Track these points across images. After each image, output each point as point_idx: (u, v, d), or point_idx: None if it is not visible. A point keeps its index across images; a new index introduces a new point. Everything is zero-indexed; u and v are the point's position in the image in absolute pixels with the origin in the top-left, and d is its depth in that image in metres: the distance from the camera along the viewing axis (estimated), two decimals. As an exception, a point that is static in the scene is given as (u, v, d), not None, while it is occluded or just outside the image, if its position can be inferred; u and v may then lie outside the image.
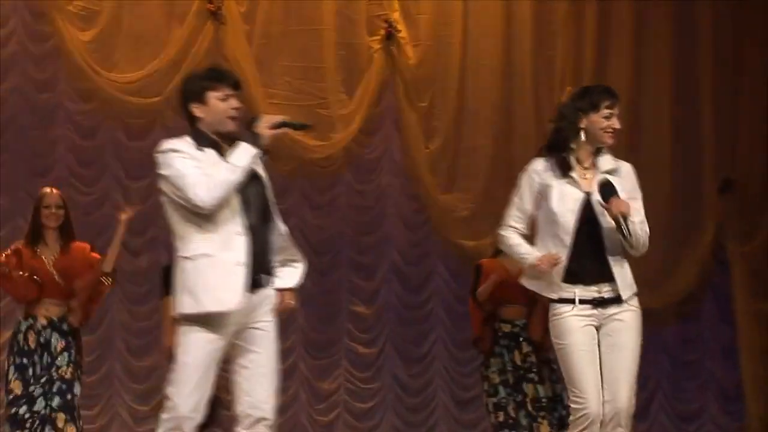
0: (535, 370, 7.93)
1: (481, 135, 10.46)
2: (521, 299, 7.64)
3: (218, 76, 4.92)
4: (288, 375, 9.12)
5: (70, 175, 9.75)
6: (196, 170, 4.74)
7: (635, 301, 5.57)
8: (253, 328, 4.86)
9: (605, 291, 5.48)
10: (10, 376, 7.12)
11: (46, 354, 7.16)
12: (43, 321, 7.22)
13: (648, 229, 5.55)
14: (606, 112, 5.51)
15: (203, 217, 4.73)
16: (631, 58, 10.53)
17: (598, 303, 5.48)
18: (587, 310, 5.45)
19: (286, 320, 5.10)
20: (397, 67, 10.31)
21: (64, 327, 7.26)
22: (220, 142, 4.84)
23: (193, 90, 4.90)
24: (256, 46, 9.97)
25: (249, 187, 4.84)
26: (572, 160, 5.50)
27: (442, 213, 10.38)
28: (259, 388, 4.84)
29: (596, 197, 5.44)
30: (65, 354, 7.21)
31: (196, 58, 9.74)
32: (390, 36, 10.28)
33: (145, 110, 9.78)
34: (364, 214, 10.39)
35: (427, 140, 10.35)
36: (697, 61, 10.61)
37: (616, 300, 5.48)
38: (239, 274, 4.72)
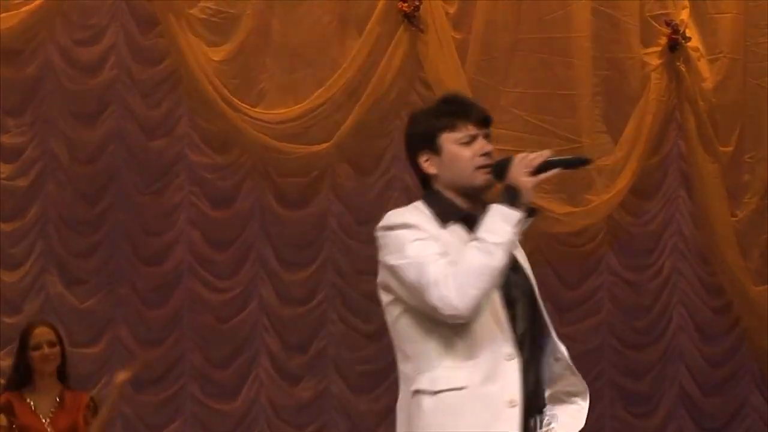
0: None
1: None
2: None
3: (455, 108, 4.19)
4: None
5: (195, 262, 8.61)
6: (441, 260, 4.07)
7: None
8: None
9: None
10: None
11: None
12: None
13: None
14: None
15: (453, 328, 4.06)
16: None
17: None
18: None
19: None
20: (686, 93, 9.55)
21: None
22: (472, 213, 4.15)
23: (419, 133, 4.20)
24: (471, 64, 9.13)
25: (511, 280, 4.17)
26: None
27: (759, 315, 9.58)
28: None
29: None
30: None
31: (382, 81, 8.79)
32: (675, 46, 9.43)
33: (308, 162, 8.84)
34: (637, 316, 9.52)
35: (734, 204, 9.58)
36: None
37: None
38: (513, 420, 4.00)
